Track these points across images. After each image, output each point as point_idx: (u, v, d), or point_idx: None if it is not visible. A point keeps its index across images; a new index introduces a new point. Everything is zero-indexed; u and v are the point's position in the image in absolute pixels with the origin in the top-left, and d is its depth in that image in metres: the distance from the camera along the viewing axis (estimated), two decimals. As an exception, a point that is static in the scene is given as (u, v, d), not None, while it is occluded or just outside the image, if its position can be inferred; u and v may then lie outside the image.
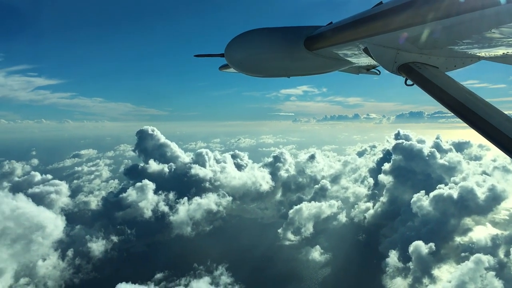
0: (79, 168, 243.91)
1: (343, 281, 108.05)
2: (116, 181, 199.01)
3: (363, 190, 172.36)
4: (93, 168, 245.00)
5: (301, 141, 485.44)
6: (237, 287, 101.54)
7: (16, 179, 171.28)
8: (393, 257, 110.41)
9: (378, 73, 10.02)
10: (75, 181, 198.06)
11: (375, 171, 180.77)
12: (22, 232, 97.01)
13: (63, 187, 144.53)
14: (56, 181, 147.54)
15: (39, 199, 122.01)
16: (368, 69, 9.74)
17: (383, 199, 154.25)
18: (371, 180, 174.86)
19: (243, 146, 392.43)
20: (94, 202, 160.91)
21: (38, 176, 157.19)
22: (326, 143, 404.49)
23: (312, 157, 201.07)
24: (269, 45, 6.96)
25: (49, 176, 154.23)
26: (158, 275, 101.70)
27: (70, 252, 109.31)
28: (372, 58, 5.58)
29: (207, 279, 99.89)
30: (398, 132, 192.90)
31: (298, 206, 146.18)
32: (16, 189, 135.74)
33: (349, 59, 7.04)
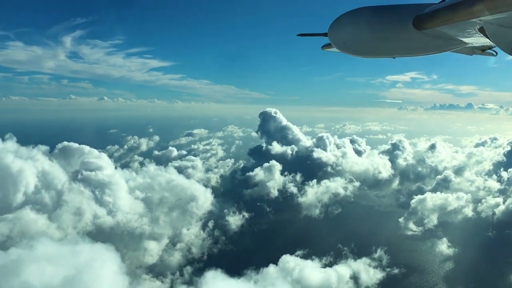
0: (195, 146, 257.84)
1: (469, 276, 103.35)
2: (232, 160, 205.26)
3: (492, 184, 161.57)
4: (207, 147, 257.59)
5: (409, 129, 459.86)
6: (397, 270, 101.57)
7: (156, 152, 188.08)
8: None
9: (495, 54, 9.06)
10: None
11: (502, 165, 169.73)
12: (177, 202, 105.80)
13: (198, 162, 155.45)
14: (192, 157, 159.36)
15: (180, 173, 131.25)
16: (483, 49, 8.84)
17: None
18: (503, 174, 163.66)
19: (349, 132, 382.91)
20: (214, 179, 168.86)
21: (175, 152, 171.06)
22: (437, 133, 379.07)
23: (432, 147, 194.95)
24: (375, 25, 6.47)
25: (184, 152, 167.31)
26: (299, 252, 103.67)
27: (210, 224, 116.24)
28: (489, 39, 5.25)
29: (364, 260, 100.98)
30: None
31: (422, 196, 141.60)
32: (157, 162, 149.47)
33: (462, 39, 6.50)
